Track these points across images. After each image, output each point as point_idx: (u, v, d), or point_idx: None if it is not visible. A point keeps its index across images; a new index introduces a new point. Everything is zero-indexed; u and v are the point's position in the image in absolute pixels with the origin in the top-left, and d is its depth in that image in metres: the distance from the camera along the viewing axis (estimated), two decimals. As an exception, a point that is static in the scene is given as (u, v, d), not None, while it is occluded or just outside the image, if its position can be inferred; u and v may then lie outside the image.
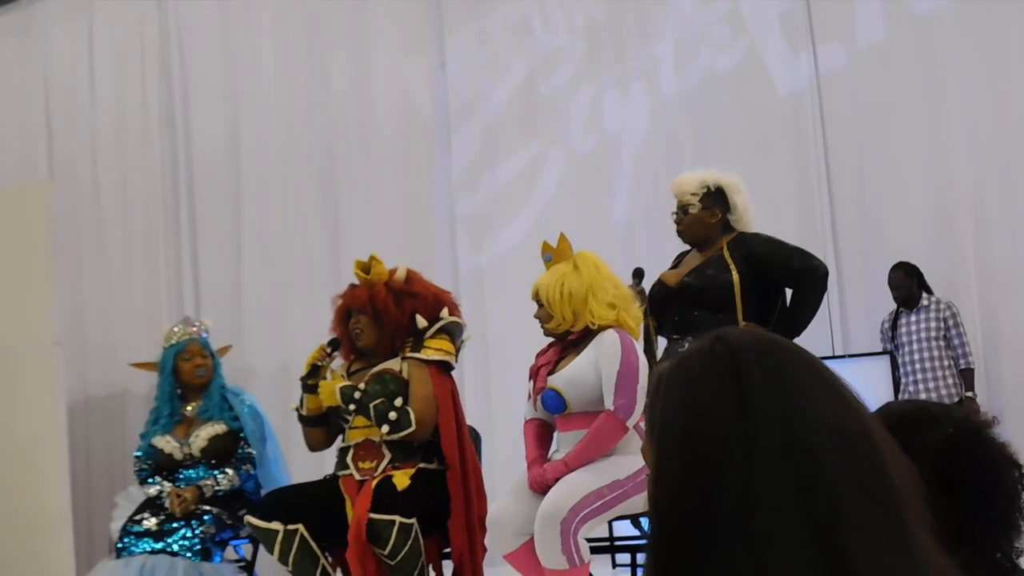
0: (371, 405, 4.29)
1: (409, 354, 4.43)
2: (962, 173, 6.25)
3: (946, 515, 1.18)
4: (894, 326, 6.21)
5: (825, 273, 4.49)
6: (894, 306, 6.22)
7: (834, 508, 1.09)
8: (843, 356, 6.19)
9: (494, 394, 6.86)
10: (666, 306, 4.60)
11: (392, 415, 4.28)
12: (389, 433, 4.30)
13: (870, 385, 5.86)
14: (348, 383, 4.36)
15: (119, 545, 4.74)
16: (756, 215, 4.71)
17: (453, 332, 4.51)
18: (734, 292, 4.44)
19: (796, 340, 4.38)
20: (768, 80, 6.72)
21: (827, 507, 1.09)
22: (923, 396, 5.98)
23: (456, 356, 4.53)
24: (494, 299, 7.02)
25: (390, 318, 4.39)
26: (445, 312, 4.48)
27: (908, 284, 6.13)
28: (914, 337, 6.11)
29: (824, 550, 1.07)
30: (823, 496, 1.09)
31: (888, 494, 1.12)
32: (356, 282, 4.53)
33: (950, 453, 1.57)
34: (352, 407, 4.33)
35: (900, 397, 6.00)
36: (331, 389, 4.37)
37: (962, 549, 1.18)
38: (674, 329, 4.59)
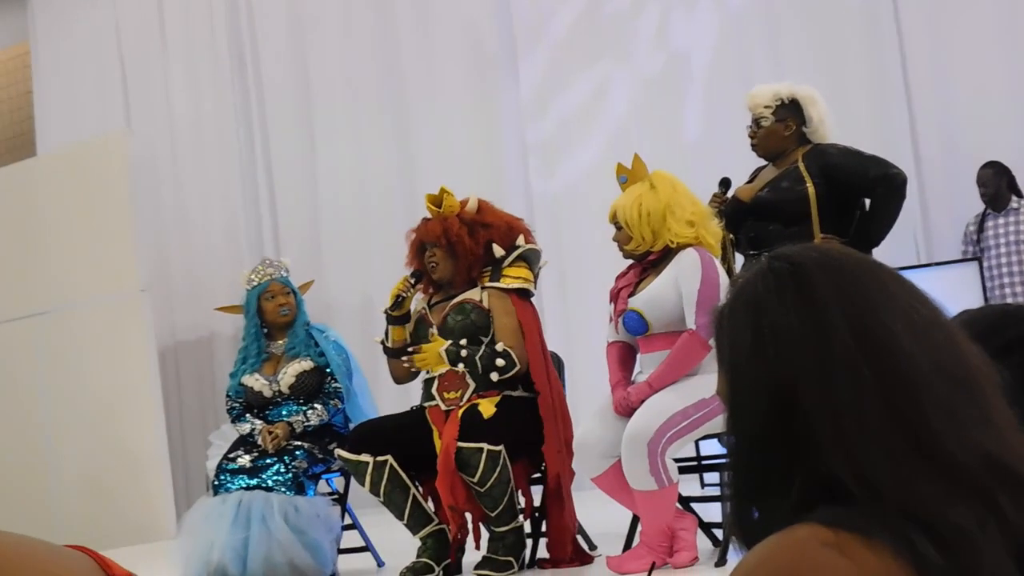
0: (476, 359, 4.30)
1: (488, 284, 4.43)
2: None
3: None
4: (980, 229, 6.07)
5: (903, 180, 4.41)
6: (979, 209, 6.07)
7: (917, 394, 1.08)
8: (927, 265, 6.07)
9: (573, 319, 6.86)
10: (741, 221, 4.56)
11: (500, 362, 4.29)
12: (500, 378, 4.31)
13: (957, 293, 5.73)
14: (450, 344, 4.36)
15: (215, 483, 4.83)
16: (833, 125, 4.63)
17: (530, 259, 4.50)
18: (810, 205, 4.39)
19: (877, 250, 4.36)
20: (841, -15, 6.56)
21: (910, 394, 1.08)
22: (1010, 302, 5.85)
23: (535, 283, 4.53)
24: (569, 224, 7.00)
25: (464, 249, 4.39)
26: (521, 240, 4.47)
27: (997, 183, 5.97)
28: (1001, 240, 5.96)
29: (913, 437, 1.06)
30: (904, 383, 1.08)
31: (968, 375, 1.12)
32: (428, 215, 4.53)
33: None
34: (461, 366, 4.33)
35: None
36: (436, 353, 4.35)
37: None
38: (749, 244, 4.56)
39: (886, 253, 4.74)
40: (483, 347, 4.33)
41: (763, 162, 4.74)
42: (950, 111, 6.31)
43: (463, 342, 4.34)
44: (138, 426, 6.93)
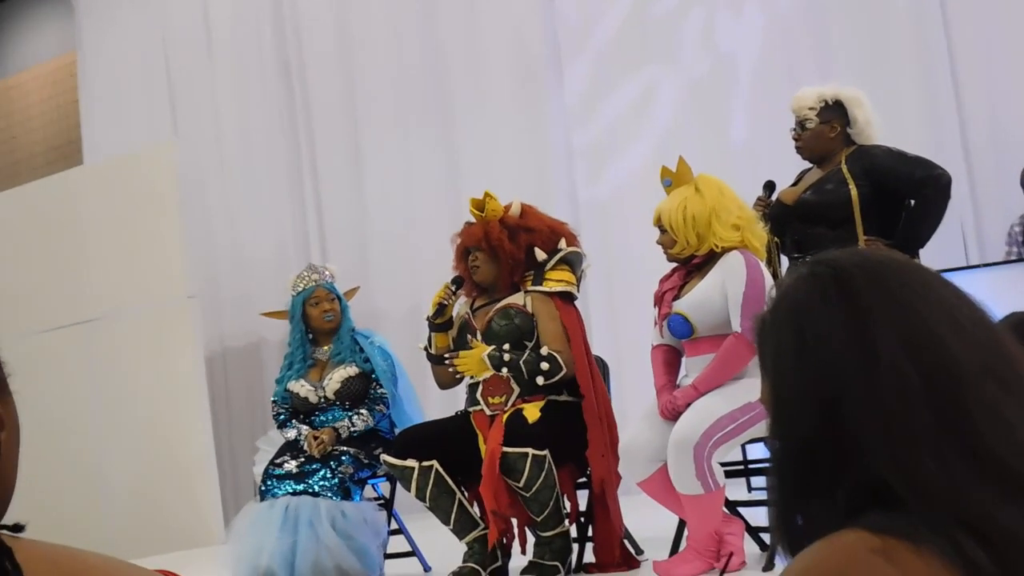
0: (520, 363, 4.30)
1: (531, 288, 4.43)
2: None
3: None
4: (1025, 230, 5.98)
5: (948, 181, 4.38)
6: (1024, 209, 5.98)
7: (964, 395, 1.07)
8: (976, 266, 5.98)
9: (620, 323, 6.84)
10: (785, 224, 4.54)
11: (544, 365, 4.28)
12: (545, 382, 4.30)
13: (1007, 295, 5.64)
14: (492, 349, 4.36)
15: (262, 488, 4.87)
16: (882, 127, 4.60)
17: (573, 262, 4.49)
18: (853, 207, 4.37)
19: (923, 251, 4.32)
20: (888, -15, 6.49)
21: (957, 396, 1.07)
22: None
23: (578, 286, 4.52)
24: (616, 228, 6.98)
25: (505, 253, 4.39)
26: (563, 243, 4.46)
27: None
28: (1048, 242, 5.87)
29: (961, 439, 1.06)
30: (951, 385, 1.08)
31: (1015, 376, 1.11)
32: (472, 220, 4.54)
33: None
34: (504, 371, 4.33)
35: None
36: (478, 359, 4.35)
37: None
38: (794, 247, 4.53)
39: (934, 255, 4.69)
40: (527, 352, 4.33)
41: (808, 165, 4.72)
42: (1000, 110, 6.22)
43: (506, 347, 4.34)
44: (186, 432, 6.98)
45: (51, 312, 7.60)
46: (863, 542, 1.01)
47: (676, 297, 4.09)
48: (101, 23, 9.19)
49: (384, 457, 4.46)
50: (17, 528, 0.99)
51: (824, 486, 1.10)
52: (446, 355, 4.49)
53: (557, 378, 4.30)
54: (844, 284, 1.15)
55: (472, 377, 4.44)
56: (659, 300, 4.19)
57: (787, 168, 4.99)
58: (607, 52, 7.21)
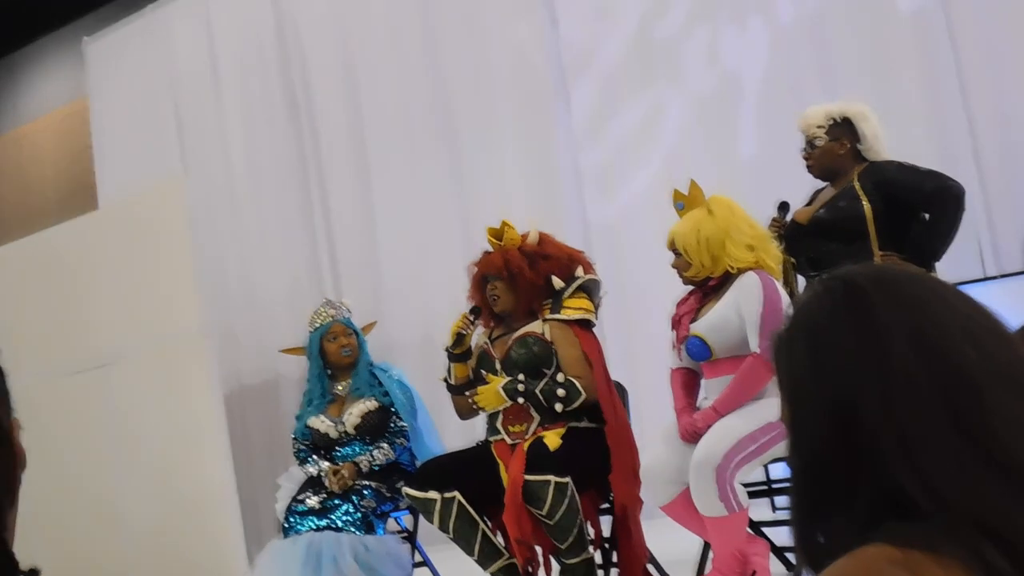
0: (537, 392, 4.29)
1: (549, 316, 4.42)
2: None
3: None
4: (1043, 238, 5.95)
5: (960, 193, 4.37)
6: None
7: (979, 402, 1.08)
8: (992, 277, 5.96)
9: (636, 346, 6.82)
10: (800, 244, 4.54)
11: (560, 392, 4.27)
12: (564, 409, 4.29)
13: (1024, 305, 5.61)
14: (508, 379, 4.36)
15: (285, 525, 4.86)
16: (891, 141, 4.61)
17: (591, 290, 4.49)
18: (866, 223, 4.36)
19: (939, 263, 4.30)
20: (890, -1, 6.49)
21: (973, 403, 1.08)
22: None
23: (596, 313, 4.52)
24: (628, 250, 6.97)
25: (525, 281, 4.39)
26: (580, 271, 4.47)
27: None
28: (1067, 249, 5.85)
29: (978, 445, 1.06)
30: (966, 393, 1.08)
31: None
32: (490, 248, 4.55)
33: None
34: (521, 400, 4.33)
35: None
36: (494, 391, 4.35)
37: None
38: (810, 265, 4.53)
39: (949, 267, 4.67)
40: (543, 380, 4.32)
41: (821, 183, 4.72)
42: (1011, 119, 6.19)
43: (520, 377, 4.33)
44: (206, 471, 6.98)
45: (68, 356, 7.62)
46: (885, 556, 1.01)
47: (693, 320, 4.08)
48: (110, 69, 9.28)
49: (405, 490, 4.45)
50: (33, 573, 0.99)
51: (843, 500, 1.10)
52: (467, 392, 4.49)
53: (576, 404, 4.29)
54: (857, 297, 1.15)
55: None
56: (676, 323, 4.18)
57: (796, 184, 4.98)
58: (612, 73, 7.22)
